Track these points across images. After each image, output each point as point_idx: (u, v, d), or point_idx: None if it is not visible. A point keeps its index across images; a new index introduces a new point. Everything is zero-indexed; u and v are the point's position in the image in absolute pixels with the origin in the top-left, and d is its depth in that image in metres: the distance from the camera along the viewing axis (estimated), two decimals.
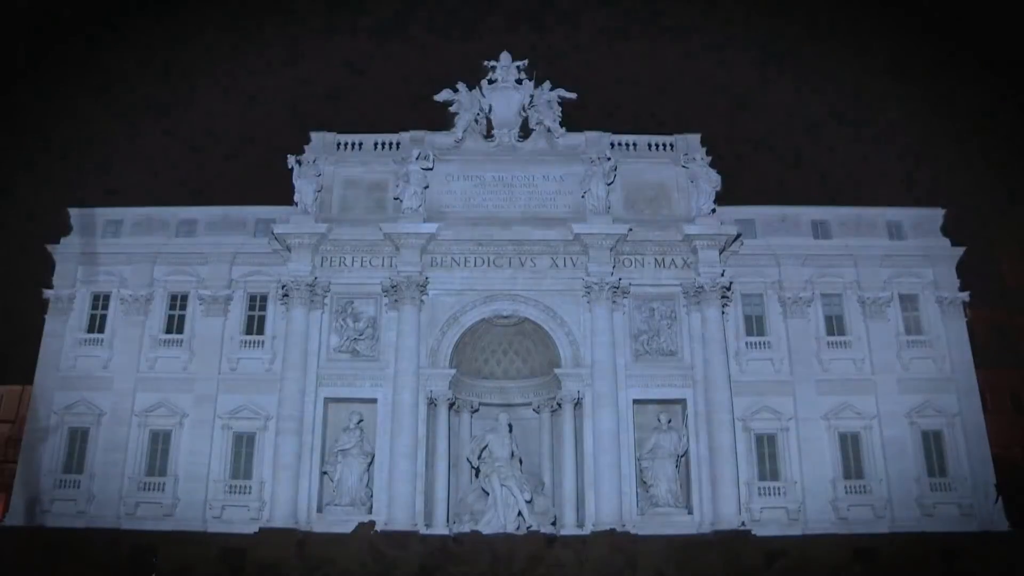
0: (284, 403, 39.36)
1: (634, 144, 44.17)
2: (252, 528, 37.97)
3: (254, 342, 42.23)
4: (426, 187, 42.12)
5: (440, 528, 38.25)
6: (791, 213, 44.73)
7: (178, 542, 38.04)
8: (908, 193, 55.31)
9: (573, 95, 44.68)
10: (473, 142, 44.07)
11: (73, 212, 44.76)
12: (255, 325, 42.70)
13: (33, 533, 38.60)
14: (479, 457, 40.70)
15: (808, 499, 39.80)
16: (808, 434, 40.74)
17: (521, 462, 40.76)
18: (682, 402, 40.33)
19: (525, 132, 44.44)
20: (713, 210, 41.89)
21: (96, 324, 43.06)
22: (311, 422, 39.61)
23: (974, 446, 40.95)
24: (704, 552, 36.09)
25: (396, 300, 40.64)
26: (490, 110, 44.68)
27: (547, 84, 44.75)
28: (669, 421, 40.19)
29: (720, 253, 41.49)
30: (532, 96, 44.73)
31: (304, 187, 42.05)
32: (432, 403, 40.08)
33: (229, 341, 42.19)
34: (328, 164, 43.03)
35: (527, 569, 35.17)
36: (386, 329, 40.83)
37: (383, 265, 41.56)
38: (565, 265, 41.62)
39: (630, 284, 41.22)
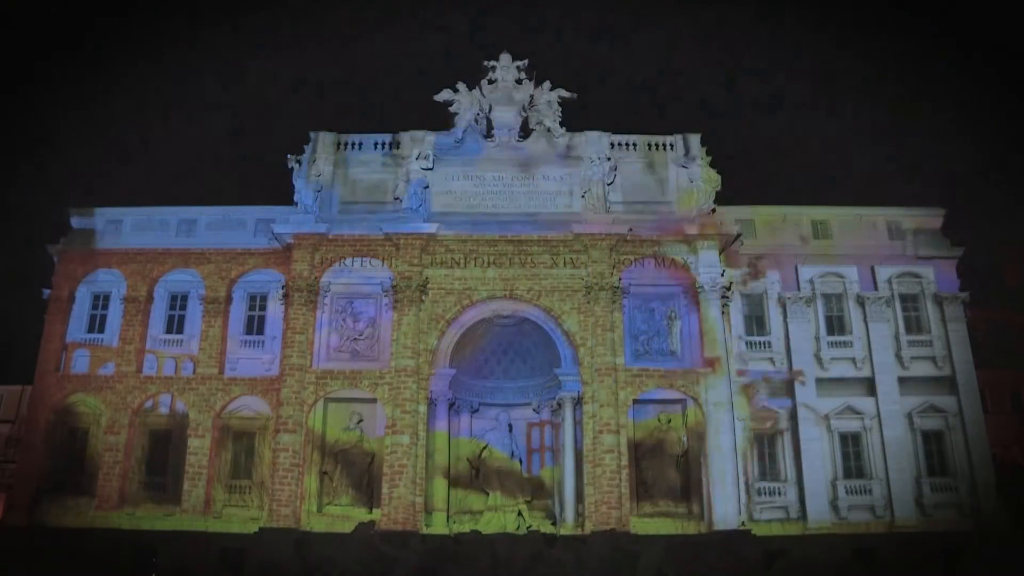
0: (283, 403, 39.38)
1: (634, 144, 44.10)
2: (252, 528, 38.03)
3: (254, 342, 42.31)
4: (426, 187, 42.16)
5: (440, 528, 38.32)
6: (791, 213, 44.69)
7: (178, 542, 38.03)
8: (908, 193, 55.12)
9: (573, 95, 44.65)
10: (473, 142, 44.04)
11: (73, 212, 44.77)
12: (255, 325, 42.78)
13: (33, 533, 38.56)
14: (479, 457, 40.76)
15: (808, 499, 39.84)
16: (808, 434, 40.76)
17: (521, 462, 40.83)
18: (682, 402, 40.36)
19: (525, 132, 44.39)
20: (713, 210, 41.89)
21: (96, 324, 43.14)
22: (311, 422, 39.68)
23: (974, 446, 40.90)
24: (704, 552, 36.03)
25: (396, 300, 40.67)
26: (490, 110, 44.62)
27: (547, 84, 44.66)
28: (669, 421, 40.25)
29: (720, 253, 41.50)
30: (532, 96, 44.65)
31: (304, 187, 42.11)
32: (432, 403, 40.11)
33: (230, 341, 42.22)
34: (328, 164, 43.00)
35: (527, 569, 35.15)
36: (386, 329, 40.87)
37: (383, 265, 41.59)
38: (565, 265, 41.60)
39: (630, 284, 41.20)
